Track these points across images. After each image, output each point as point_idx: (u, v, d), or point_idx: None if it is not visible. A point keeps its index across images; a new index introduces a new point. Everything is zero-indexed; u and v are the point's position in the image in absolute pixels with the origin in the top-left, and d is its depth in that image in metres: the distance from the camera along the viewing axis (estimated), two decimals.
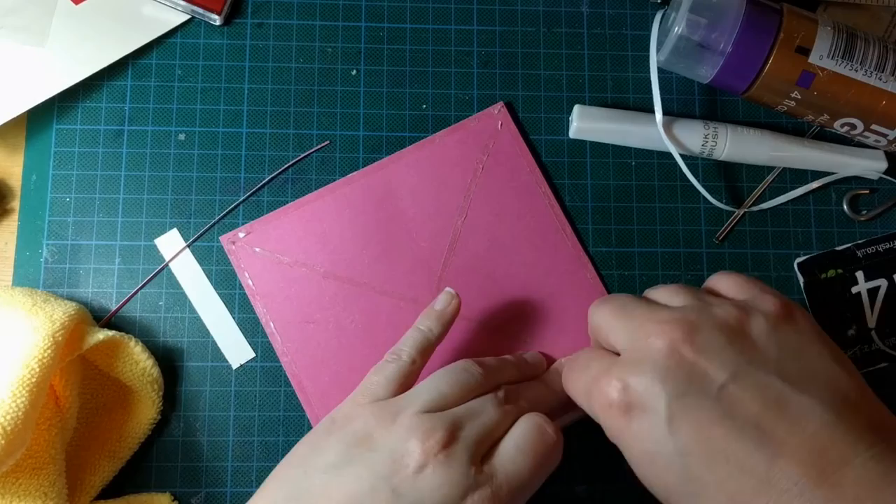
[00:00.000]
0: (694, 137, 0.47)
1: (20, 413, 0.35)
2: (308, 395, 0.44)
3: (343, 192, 0.46)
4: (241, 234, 0.46)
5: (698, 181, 0.47)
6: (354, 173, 0.47)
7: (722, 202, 0.47)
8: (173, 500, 0.43)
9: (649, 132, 0.47)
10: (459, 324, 0.45)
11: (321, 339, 0.45)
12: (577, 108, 0.47)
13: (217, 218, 0.46)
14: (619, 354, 0.36)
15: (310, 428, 0.44)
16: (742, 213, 0.48)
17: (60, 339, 0.38)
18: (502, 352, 0.45)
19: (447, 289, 0.42)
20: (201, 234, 0.46)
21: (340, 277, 0.45)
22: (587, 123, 0.47)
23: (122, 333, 0.42)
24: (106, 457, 0.42)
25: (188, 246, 0.45)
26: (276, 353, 0.45)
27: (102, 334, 0.41)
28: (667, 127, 0.46)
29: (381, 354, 0.40)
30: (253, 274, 0.45)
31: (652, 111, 0.47)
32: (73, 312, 0.40)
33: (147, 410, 0.43)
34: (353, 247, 0.46)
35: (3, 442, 0.34)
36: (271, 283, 0.45)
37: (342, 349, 0.44)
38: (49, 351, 0.37)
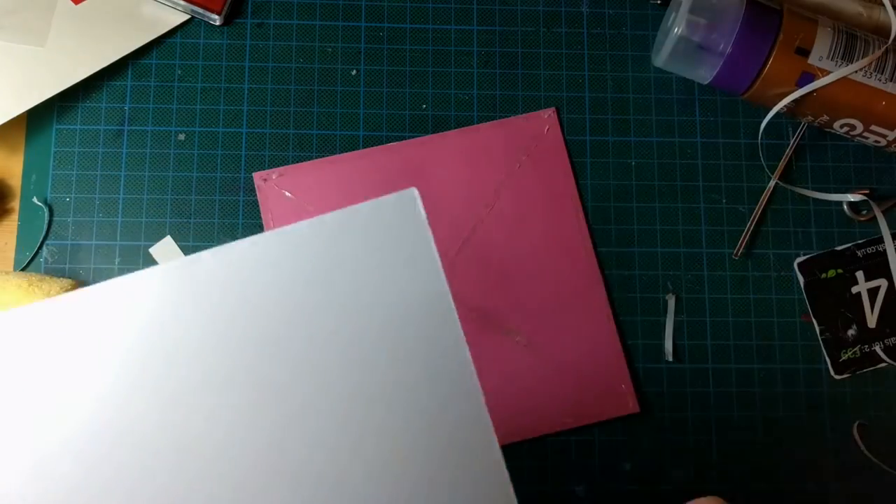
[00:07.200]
0: None
1: None
2: None
3: (378, 156, 0.47)
4: (274, 176, 0.46)
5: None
6: (394, 143, 0.47)
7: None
8: None
9: None
10: (463, 314, 0.45)
11: None
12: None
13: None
14: None
15: None
16: (773, 184, 0.48)
17: None
18: (500, 348, 0.45)
19: None
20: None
21: None
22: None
23: None
24: None
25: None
26: None
27: None
28: None
29: None
30: (276, 215, 0.46)
31: (652, 111, 0.47)
32: (68, 286, 0.41)
33: None
34: None
35: None
36: None
37: None
38: None
